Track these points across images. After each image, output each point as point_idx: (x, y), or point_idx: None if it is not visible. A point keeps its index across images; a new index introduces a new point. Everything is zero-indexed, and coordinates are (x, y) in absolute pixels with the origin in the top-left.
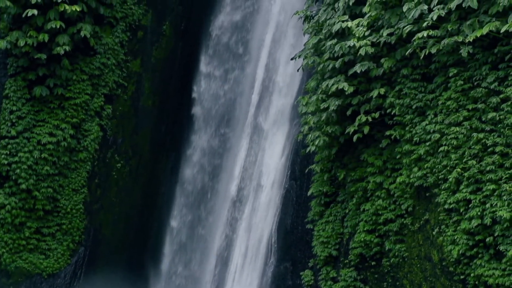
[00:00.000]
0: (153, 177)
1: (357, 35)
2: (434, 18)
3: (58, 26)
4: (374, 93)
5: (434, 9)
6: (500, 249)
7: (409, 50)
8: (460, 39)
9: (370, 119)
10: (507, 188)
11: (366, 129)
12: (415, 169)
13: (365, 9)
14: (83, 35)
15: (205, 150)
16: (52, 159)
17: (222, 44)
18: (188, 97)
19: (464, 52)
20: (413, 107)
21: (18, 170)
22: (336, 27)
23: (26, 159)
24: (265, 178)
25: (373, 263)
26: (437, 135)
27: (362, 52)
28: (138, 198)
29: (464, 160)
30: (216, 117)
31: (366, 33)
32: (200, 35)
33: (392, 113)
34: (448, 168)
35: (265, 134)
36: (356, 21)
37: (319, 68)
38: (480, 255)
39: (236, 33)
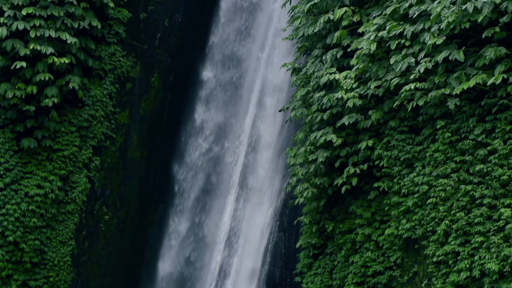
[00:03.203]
0: (141, 229)
1: (345, 87)
2: (421, 70)
3: (46, 78)
4: (362, 145)
5: (421, 61)
6: None
7: (397, 102)
8: (447, 91)
9: (358, 170)
10: (496, 240)
11: (354, 181)
12: (404, 221)
13: (353, 61)
14: (71, 87)
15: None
16: (39, 211)
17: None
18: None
19: (451, 104)
20: (401, 159)
21: (5, 222)
22: (324, 79)
23: (14, 211)
24: (253, 229)
25: None
26: (425, 187)
27: (350, 104)
28: (126, 251)
29: (452, 212)
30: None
31: (354, 85)
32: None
33: (380, 165)
34: (436, 220)
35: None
36: (343, 74)
37: (307, 120)
38: None
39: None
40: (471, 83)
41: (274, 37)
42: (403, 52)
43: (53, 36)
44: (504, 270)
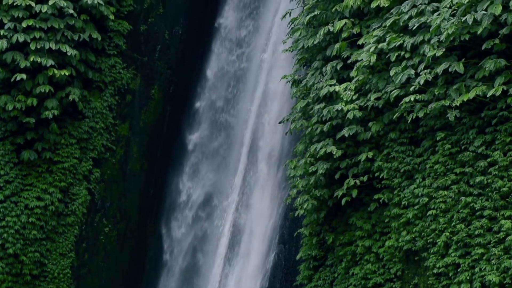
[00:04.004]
0: (141, 242)
1: (345, 99)
2: (421, 82)
3: (46, 91)
4: (362, 157)
5: (421, 73)
6: None
7: (397, 114)
8: (447, 103)
9: (358, 182)
10: (496, 252)
11: (354, 193)
12: (404, 233)
13: (353, 73)
14: (71, 99)
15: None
16: (39, 224)
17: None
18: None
19: (451, 116)
20: (401, 170)
21: (5, 235)
22: (324, 91)
23: (14, 223)
24: (254, 240)
25: None
26: (426, 199)
27: (350, 116)
28: (125, 263)
29: (452, 224)
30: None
31: (354, 97)
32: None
33: (380, 177)
34: (436, 232)
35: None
36: (343, 85)
37: (307, 132)
38: None
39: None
40: (471, 94)
41: (263, 98)
42: (403, 64)
43: (53, 48)
44: (505, 282)
